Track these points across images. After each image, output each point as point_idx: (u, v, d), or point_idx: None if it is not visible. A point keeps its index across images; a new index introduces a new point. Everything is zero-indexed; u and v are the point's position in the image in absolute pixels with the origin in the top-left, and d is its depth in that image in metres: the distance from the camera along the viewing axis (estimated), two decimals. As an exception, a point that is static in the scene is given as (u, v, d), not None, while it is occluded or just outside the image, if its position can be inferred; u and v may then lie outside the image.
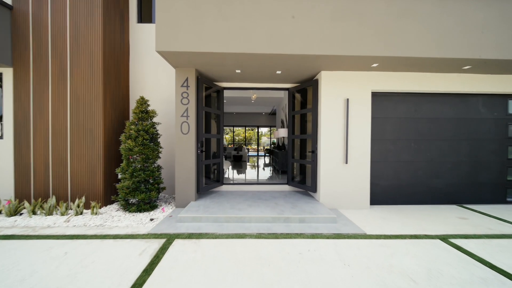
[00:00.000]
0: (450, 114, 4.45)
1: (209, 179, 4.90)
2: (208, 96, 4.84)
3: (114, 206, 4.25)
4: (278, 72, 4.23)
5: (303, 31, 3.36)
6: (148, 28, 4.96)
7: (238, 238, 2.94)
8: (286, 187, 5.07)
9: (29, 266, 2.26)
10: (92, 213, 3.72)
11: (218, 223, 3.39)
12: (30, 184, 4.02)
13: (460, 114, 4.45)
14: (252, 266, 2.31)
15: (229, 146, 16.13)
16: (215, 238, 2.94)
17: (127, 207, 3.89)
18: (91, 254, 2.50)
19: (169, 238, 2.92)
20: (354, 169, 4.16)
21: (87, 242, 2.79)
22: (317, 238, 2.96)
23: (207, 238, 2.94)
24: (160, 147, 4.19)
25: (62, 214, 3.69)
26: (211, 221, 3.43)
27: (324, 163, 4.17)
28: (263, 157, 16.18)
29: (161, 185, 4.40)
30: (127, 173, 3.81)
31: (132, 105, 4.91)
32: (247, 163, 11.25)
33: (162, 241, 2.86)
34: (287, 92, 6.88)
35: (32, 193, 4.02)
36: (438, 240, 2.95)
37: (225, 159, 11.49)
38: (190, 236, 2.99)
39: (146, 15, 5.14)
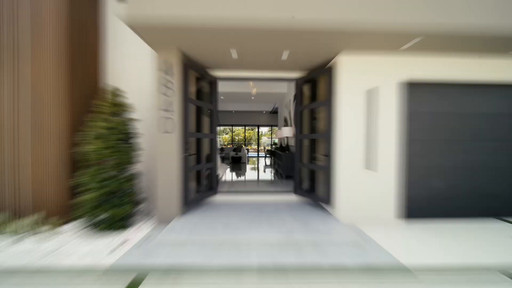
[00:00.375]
0: (504, 109, 3.58)
1: (200, 187, 4.10)
2: (200, 89, 4.04)
3: (82, 222, 3.43)
4: (284, 57, 3.43)
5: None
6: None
7: (233, 273, 2.16)
8: (293, 197, 4.27)
9: None
10: (50, 233, 2.93)
11: (208, 250, 2.59)
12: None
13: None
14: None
15: (228, 146, 15.35)
16: (202, 274, 2.15)
17: (96, 224, 3.09)
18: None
19: (139, 275, 2.13)
20: (379, 176, 3.36)
21: (21, 281, 2.00)
22: (340, 272, 2.18)
23: (191, 274, 2.15)
24: (139, 149, 3.40)
25: (13, 234, 2.89)
26: (198, 246, 2.63)
27: (343, 168, 3.37)
28: (263, 158, 15.39)
29: (141, 196, 3.60)
30: (95, 182, 3.01)
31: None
32: (247, 165, 10.43)
33: (128, 279, 2.07)
34: (291, 85, 6.10)
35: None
36: (498, 273, 2.23)
37: (223, 161, 10.67)
38: (167, 271, 2.20)
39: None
